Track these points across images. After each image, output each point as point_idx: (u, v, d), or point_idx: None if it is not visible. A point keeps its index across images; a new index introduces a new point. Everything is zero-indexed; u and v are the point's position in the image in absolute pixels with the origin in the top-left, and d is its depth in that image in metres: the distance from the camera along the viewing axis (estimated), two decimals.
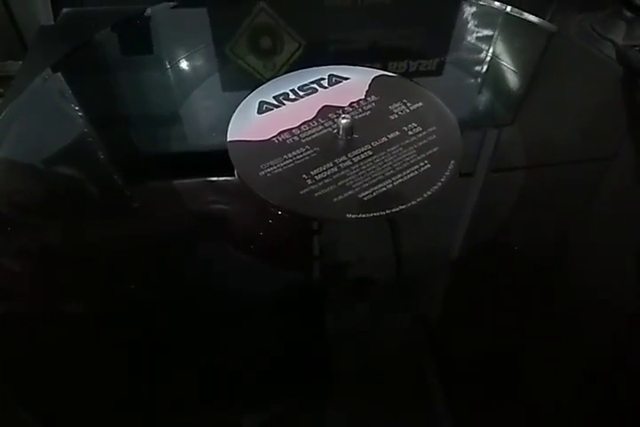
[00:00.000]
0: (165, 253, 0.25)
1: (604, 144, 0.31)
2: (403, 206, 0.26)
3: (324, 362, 0.22)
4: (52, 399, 0.20)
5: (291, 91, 0.32)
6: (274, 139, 0.29)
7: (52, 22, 0.39)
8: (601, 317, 0.23)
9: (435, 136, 0.30)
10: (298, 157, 0.28)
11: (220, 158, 0.29)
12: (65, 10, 0.40)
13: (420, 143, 0.29)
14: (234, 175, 0.28)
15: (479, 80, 0.35)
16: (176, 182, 0.28)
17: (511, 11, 0.37)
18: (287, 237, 0.27)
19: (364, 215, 0.26)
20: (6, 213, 0.26)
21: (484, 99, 0.34)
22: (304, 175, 0.27)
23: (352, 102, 0.32)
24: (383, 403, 0.20)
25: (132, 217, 0.27)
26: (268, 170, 0.28)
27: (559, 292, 0.24)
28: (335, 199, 0.26)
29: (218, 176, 0.29)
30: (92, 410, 0.20)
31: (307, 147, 0.29)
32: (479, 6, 0.38)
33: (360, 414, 0.20)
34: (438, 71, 0.36)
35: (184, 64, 0.35)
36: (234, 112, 0.31)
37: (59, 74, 0.32)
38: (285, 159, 0.28)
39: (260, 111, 0.31)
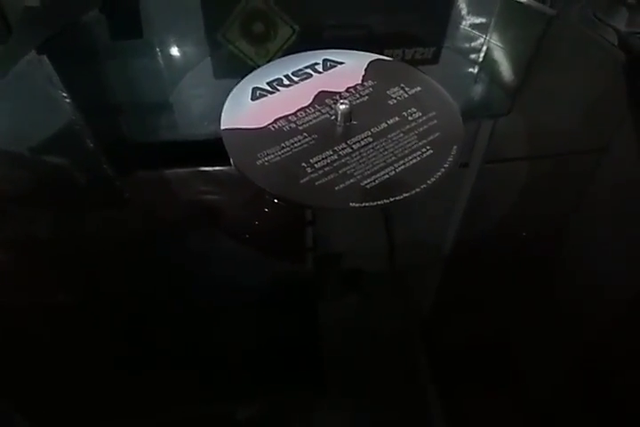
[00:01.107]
0: (158, 243, 0.24)
1: (606, 132, 0.30)
2: (407, 194, 0.25)
3: (317, 356, 0.21)
4: (42, 395, 0.19)
5: (284, 76, 0.31)
6: (270, 126, 0.28)
7: (38, 4, 0.37)
8: (599, 312, 0.23)
9: (435, 121, 0.29)
10: (296, 144, 0.27)
11: (213, 147, 0.28)
12: None
13: (421, 129, 0.28)
14: (228, 164, 0.27)
15: (477, 68, 0.34)
16: (168, 172, 0.27)
17: None
18: (287, 227, 0.26)
19: (367, 204, 0.25)
20: None
21: (482, 87, 0.34)
22: (303, 163, 0.26)
23: (349, 87, 0.31)
24: (376, 398, 0.20)
25: (122, 207, 0.26)
26: (266, 159, 0.27)
27: (559, 285, 0.24)
28: (337, 188, 0.25)
29: (211, 165, 0.28)
30: (85, 405, 0.19)
31: (304, 134, 0.28)
32: None
33: (352, 410, 0.20)
34: (435, 59, 0.35)
35: (174, 49, 0.34)
36: (226, 98, 0.30)
37: (43, 57, 0.30)
38: (283, 147, 0.27)
39: (253, 98, 0.30)
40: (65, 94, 0.30)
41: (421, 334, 0.22)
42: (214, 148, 0.28)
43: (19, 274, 0.23)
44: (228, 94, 0.30)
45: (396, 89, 0.31)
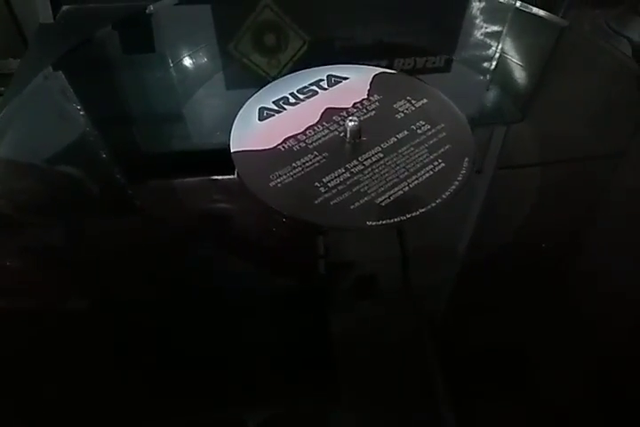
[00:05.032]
0: (169, 253, 0.25)
1: (620, 143, 0.30)
2: (422, 209, 0.25)
3: (328, 361, 0.21)
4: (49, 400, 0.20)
5: (290, 94, 0.31)
6: (279, 146, 0.28)
7: (52, 20, 0.38)
8: (617, 319, 0.23)
9: (445, 133, 0.29)
10: (307, 164, 0.27)
11: (224, 158, 0.28)
12: (65, 7, 0.39)
13: (431, 142, 0.28)
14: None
15: (488, 77, 0.34)
16: (178, 182, 0.28)
17: (521, 6, 0.35)
18: (300, 244, 0.26)
19: (384, 222, 0.25)
20: (7, 213, 0.26)
21: (493, 96, 0.34)
22: (316, 183, 0.26)
23: (355, 103, 0.31)
24: (387, 403, 0.20)
25: (135, 216, 0.26)
26: (279, 180, 0.27)
27: (576, 294, 0.24)
28: (352, 206, 0.25)
29: (221, 175, 0.28)
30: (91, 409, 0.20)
31: (315, 153, 0.28)
32: (487, 1, 0.37)
33: (363, 414, 0.20)
34: (446, 68, 0.35)
35: (187, 62, 0.34)
36: (234, 120, 0.30)
37: (59, 72, 0.31)
38: (294, 167, 0.27)
39: (261, 118, 0.30)
40: (79, 107, 0.30)
41: (437, 345, 0.22)
42: (225, 159, 0.28)
43: (32, 282, 0.23)
44: (239, 107, 0.30)
45: (402, 102, 0.31)
